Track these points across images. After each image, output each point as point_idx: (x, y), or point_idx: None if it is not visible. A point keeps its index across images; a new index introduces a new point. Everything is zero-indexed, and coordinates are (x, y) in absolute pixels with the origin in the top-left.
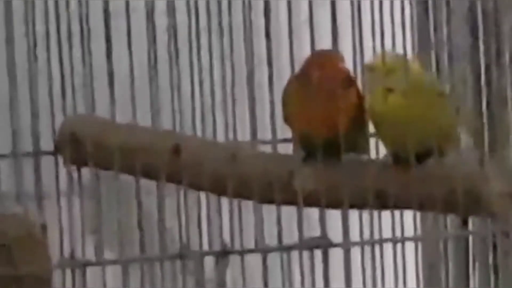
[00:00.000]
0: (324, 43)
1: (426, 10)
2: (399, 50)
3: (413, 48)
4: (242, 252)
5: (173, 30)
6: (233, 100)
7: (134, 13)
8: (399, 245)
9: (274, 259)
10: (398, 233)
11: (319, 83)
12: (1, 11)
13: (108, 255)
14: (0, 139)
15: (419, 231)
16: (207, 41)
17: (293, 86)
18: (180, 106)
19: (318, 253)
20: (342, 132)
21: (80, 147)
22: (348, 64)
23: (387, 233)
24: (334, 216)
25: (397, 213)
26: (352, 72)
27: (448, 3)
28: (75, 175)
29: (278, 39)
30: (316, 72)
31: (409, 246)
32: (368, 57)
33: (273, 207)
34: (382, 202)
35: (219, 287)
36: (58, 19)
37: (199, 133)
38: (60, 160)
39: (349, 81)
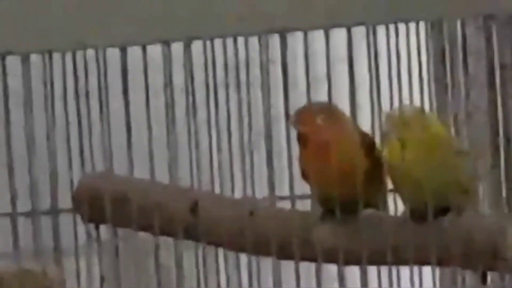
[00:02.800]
0: (342, 97)
1: (443, 64)
2: (417, 104)
3: (430, 102)
4: None
5: (190, 85)
6: (251, 155)
7: (152, 67)
8: None
9: None
10: None
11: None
12: (19, 67)
13: None
14: (19, 197)
15: (437, 286)
16: (225, 95)
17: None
18: (198, 162)
19: None
20: (360, 189)
21: (98, 204)
22: (365, 117)
23: None
24: (353, 272)
25: (415, 268)
26: (370, 126)
27: (465, 58)
28: (93, 232)
29: (295, 93)
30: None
31: None
32: (386, 111)
33: (291, 263)
34: (401, 257)
35: None
36: (75, 74)
37: (217, 188)
38: (78, 217)
39: (363, 136)
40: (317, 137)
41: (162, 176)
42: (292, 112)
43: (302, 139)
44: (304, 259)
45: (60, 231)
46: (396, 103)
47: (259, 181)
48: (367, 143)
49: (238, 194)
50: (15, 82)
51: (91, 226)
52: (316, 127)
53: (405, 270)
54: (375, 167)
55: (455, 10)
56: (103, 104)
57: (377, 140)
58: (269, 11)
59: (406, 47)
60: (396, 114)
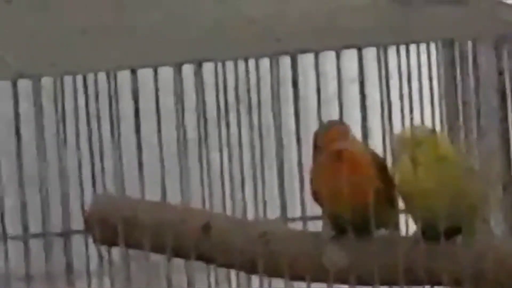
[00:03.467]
0: (353, 117)
1: (454, 84)
2: (428, 124)
3: (441, 123)
4: None
5: (202, 106)
6: (262, 176)
7: (163, 88)
8: None
9: None
10: None
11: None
12: (30, 88)
13: None
14: (31, 219)
15: None
16: (236, 116)
17: (318, 164)
18: (210, 184)
19: None
20: (371, 211)
21: (110, 226)
22: (375, 138)
23: None
24: None
25: None
26: (382, 146)
27: (476, 78)
28: (105, 254)
29: (306, 113)
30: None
31: None
32: (397, 131)
33: (303, 284)
34: (412, 278)
35: None
36: (87, 96)
37: (228, 209)
38: (90, 239)
39: (374, 156)
40: (351, 155)
41: (174, 198)
42: (303, 132)
43: (335, 156)
44: (315, 280)
45: (72, 253)
46: (407, 124)
47: (270, 202)
48: (378, 163)
49: (249, 216)
50: (26, 105)
51: (103, 247)
52: (348, 144)
53: None
54: (386, 187)
55: (466, 30)
56: (115, 126)
57: (389, 160)
58: (280, 32)
59: (417, 68)
60: (407, 134)
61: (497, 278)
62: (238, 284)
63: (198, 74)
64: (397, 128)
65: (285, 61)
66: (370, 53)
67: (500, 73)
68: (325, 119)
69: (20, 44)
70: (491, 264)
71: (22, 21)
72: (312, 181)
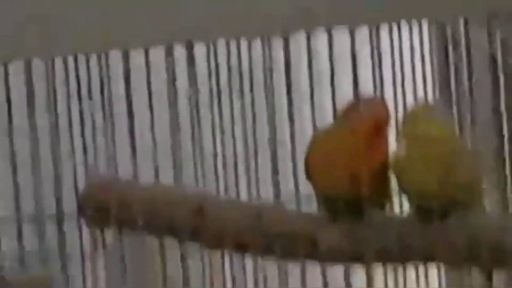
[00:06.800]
0: (345, 98)
1: (447, 62)
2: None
3: (434, 101)
4: None
5: (194, 88)
6: (256, 157)
7: (155, 72)
8: None
9: None
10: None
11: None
12: (21, 71)
13: None
14: (24, 202)
15: (443, 285)
16: (228, 99)
17: (315, 143)
18: (202, 165)
19: None
20: (367, 191)
21: (103, 208)
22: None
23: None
24: (359, 272)
25: (422, 268)
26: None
27: (469, 57)
28: (98, 236)
29: (299, 95)
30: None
31: None
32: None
33: (297, 265)
34: (407, 257)
35: None
36: (78, 78)
37: (222, 190)
38: (83, 221)
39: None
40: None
41: (167, 180)
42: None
43: (379, 128)
44: (310, 260)
45: (65, 236)
46: (399, 103)
47: (264, 183)
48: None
49: (243, 197)
50: (18, 87)
51: (97, 230)
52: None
53: (411, 270)
54: (382, 165)
55: (458, 8)
56: (106, 108)
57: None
58: (271, 13)
59: (410, 47)
60: (413, 110)
61: (491, 256)
62: (232, 265)
63: (189, 55)
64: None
65: (277, 42)
66: (362, 33)
67: (492, 53)
68: (317, 99)
69: (10, 27)
70: (485, 243)
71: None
72: (306, 162)
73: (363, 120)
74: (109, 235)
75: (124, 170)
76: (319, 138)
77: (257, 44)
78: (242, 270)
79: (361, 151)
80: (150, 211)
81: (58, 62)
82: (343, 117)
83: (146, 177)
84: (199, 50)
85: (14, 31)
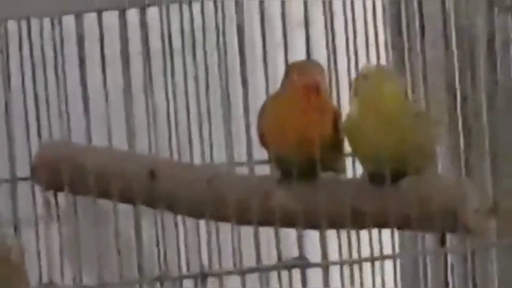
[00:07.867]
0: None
1: (399, 28)
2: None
3: (387, 65)
4: (221, 274)
5: (147, 53)
6: (209, 122)
7: (108, 37)
8: (377, 264)
9: (252, 280)
10: (376, 252)
11: (298, 98)
12: None
13: (86, 280)
14: None
15: (397, 250)
16: (182, 63)
17: (267, 107)
18: (155, 129)
19: (296, 274)
20: (319, 153)
21: (56, 172)
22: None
23: (365, 252)
24: (312, 236)
25: (375, 231)
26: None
27: (421, 21)
28: (52, 200)
29: (252, 59)
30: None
31: (388, 264)
32: (342, 75)
33: (250, 229)
34: (360, 221)
35: None
36: (31, 43)
37: (175, 155)
38: (37, 185)
39: (326, 100)
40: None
41: (120, 144)
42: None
43: (314, 91)
44: (263, 224)
45: (18, 200)
46: (352, 68)
47: (217, 147)
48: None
49: (196, 160)
50: None
51: (50, 194)
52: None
53: (364, 234)
54: (335, 129)
55: None
56: (59, 73)
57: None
58: None
59: (363, 11)
60: (372, 70)
61: (442, 219)
62: (185, 229)
63: (142, 18)
64: (343, 73)
65: (230, 5)
66: None
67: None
68: (271, 64)
69: None
70: (438, 205)
71: None
72: (259, 124)
73: (294, 85)
74: (63, 198)
75: (78, 135)
76: (269, 102)
77: (210, 6)
78: (196, 235)
79: (299, 115)
80: (103, 175)
81: (12, 25)
82: (282, 82)
83: (99, 141)
84: (152, 12)
85: None
